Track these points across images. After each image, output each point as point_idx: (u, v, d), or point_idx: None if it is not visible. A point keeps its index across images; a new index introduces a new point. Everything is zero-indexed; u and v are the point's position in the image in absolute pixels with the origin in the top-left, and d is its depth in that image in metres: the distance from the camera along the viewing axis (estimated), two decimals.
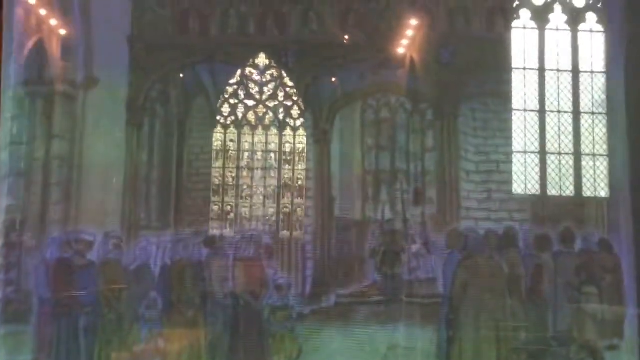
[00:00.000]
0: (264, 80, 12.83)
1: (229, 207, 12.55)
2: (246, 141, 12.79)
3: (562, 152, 12.50)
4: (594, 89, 12.67)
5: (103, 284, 9.10)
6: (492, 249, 8.98)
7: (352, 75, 12.39)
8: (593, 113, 12.61)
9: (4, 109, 8.24)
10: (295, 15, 12.19)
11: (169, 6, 12.18)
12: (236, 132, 12.83)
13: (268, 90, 12.86)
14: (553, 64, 12.65)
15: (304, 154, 12.74)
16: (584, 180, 12.43)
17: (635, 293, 9.10)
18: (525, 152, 12.43)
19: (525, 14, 12.73)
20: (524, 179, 12.38)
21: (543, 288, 8.95)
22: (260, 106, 12.88)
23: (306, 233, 11.97)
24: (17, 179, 10.49)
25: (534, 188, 12.38)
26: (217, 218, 12.46)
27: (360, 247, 11.32)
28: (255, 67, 12.75)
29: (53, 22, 11.48)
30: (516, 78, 12.48)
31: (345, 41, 12.00)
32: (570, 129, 12.52)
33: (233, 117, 12.82)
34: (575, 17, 12.69)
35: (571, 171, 12.42)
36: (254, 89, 12.85)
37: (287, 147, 12.78)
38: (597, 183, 12.44)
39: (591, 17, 12.76)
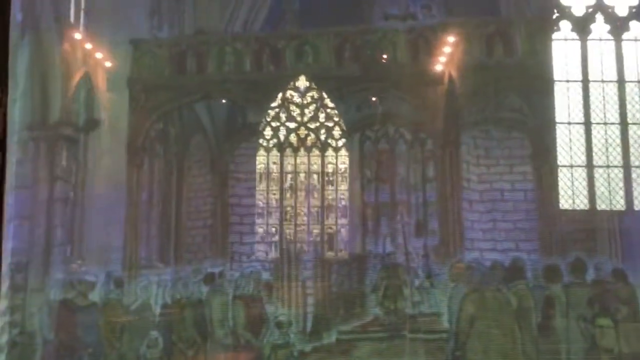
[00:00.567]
0: (305, 102, 12.87)
1: (273, 229, 12.60)
2: (289, 163, 12.77)
3: (611, 164, 12.02)
4: None
5: (104, 324, 9.27)
6: (498, 281, 8.76)
7: (350, 107, 12.50)
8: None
9: (9, 153, 8.41)
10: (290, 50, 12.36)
11: (166, 47, 12.40)
12: (279, 154, 12.75)
13: (309, 112, 12.81)
14: (597, 75, 12.26)
15: (347, 175, 12.67)
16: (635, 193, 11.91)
17: None
18: (571, 167, 11.99)
19: (565, 25, 12.34)
20: (571, 193, 11.92)
21: (555, 322, 8.62)
22: (302, 128, 12.86)
23: (305, 269, 11.96)
24: (22, 222, 10.68)
25: (582, 203, 11.90)
26: (262, 240, 12.47)
27: (361, 282, 11.25)
28: (296, 89, 12.82)
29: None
30: (559, 91, 12.07)
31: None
32: (618, 140, 12.05)
33: (275, 140, 12.70)
34: (618, 26, 12.27)
35: (620, 184, 11.91)
36: (295, 111, 12.89)
37: (329, 168, 12.70)
38: None
39: (635, 25, 12.30)
